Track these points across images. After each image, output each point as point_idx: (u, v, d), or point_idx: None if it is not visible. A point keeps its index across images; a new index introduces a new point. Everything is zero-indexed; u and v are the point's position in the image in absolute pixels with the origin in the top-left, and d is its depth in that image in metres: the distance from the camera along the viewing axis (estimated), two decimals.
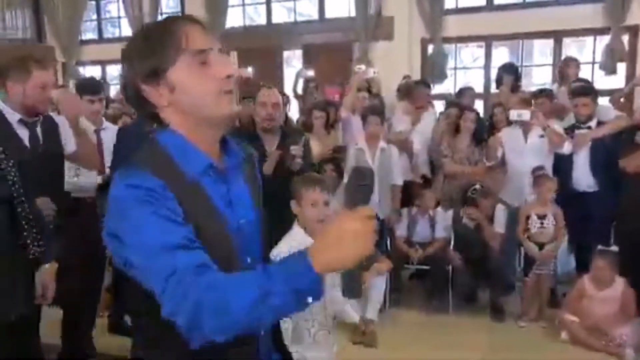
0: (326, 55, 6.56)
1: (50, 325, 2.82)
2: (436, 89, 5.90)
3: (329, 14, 6.80)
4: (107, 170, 3.26)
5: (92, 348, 3.15)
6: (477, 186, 3.91)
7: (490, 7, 6.07)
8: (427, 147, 4.62)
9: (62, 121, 2.64)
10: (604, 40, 5.61)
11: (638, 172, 3.47)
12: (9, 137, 2.40)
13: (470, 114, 4.27)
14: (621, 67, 5.56)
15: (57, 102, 2.46)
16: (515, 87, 4.81)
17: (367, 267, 3.69)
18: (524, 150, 3.93)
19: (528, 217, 3.76)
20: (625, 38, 5.53)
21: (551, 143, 3.82)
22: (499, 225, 3.91)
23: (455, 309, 3.90)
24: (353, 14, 6.44)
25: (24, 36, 8.10)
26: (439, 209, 4.15)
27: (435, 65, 6.17)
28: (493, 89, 5.39)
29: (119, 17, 8.05)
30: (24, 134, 2.47)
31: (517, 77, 4.94)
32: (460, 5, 6.19)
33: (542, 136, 3.85)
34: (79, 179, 3.15)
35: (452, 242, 4.04)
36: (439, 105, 5.34)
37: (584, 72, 5.08)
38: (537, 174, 3.78)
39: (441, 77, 6.20)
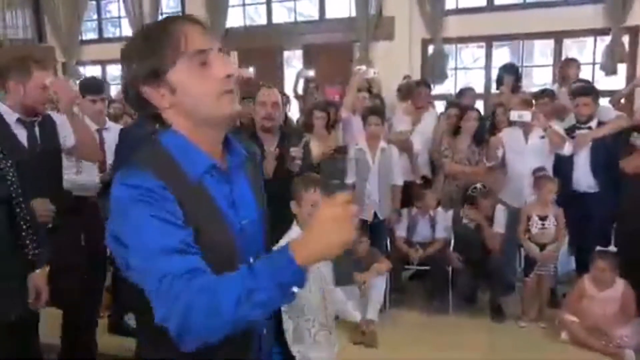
0: (326, 55, 6.56)
1: (50, 325, 2.81)
2: (437, 89, 5.90)
3: (330, 14, 6.80)
4: (109, 169, 3.26)
5: (95, 348, 3.16)
6: (479, 185, 3.90)
7: (490, 7, 6.07)
8: (427, 148, 4.62)
9: (60, 119, 2.63)
10: (605, 41, 5.61)
11: (637, 173, 3.47)
12: (7, 137, 2.39)
13: (472, 113, 4.27)
14: (621, 68, 5.55)
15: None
16: (516, 88, 4.80)
17: (367, 268, 3.70)
18: (525, 151, 3.93)
19: (529, 218, 3.76)
20: (626, 39, 5.53)
21: (552, 144, 3.82)
22: (499, 225, 3.91)
23: (456, 310, 3.90)
24: (353, 14, 6.44)
25: (24, 36, 8.10)
26: (439, 209, 4.15)
27: (436, 65, 6.17)
28: (493, 89, 5.39)
29: (120, 17, 8.05)
30: (21, 133, 2.46)
31: (518, 77, 4.93)
32: (460, 6, 6.19)
33: (542, 137, 3.85)
34: (80, 177, 3.15)
35: (452, 243, 4.04)
36: (440, 106, 5.35)
37: (585, 73, 5.07)
38: (538, 175, 3.78)
39: (442, 77, 6.20)
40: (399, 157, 4.15)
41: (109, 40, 8.12)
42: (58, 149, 2.64)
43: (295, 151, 2.88)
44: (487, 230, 3.85)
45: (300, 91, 5.56)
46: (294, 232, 2.17)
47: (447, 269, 3.92)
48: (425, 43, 6.26)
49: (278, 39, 6.91)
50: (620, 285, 3.37)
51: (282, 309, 1.38)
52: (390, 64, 5.97)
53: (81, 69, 8.08)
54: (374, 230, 3.96)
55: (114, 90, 6.21)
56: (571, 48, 6.11)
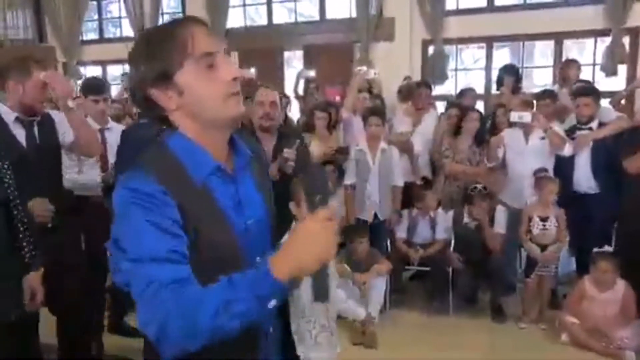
0: (327, 56, 6.56)
1: (50, 325, 2.81)
2: (437, 90, 5.89)
3: (330, 14, 6.80)
4: (111, 169, 3.25)
5: (101, 348, 3.16)
6: (479, 186, 3.90)
7: (491, 8, 6.08)
8: (428, 148, 4.62)
9: (59, 116, 2.62)
10: (605, 42, 5.61)
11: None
12: (5, 136, 2.39)
13: (473, 114, 4.28)
14: (622, 69, 5.56)
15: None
16: (516, 89, 4.81)
17: (367, 268, 3.70)
18: (525, 151, 3.93)
19: (530, 219, 3.75)
20: (626, 40, 5.53)
21: (552, 145, 3.82)
22: (500, 226, 3.90)
23: (456, 310, 3.90)
24: (354, 14, 6.45)
25: (25, 36, 8.11)
26: (440, 210, 4.15)
27: (436, 66, 6.17)
28: (494, 90, 5.39)
29: (120, 17, 8.05)
30: (20, 133, 2.45)
31: (518, 78, 4.94)
32: (461, 7, 6.19)
33: (543, 138, 3.85)
34: (82, 176, 3.14)
35: (453, 243, 4.04)
36: (440, 106, 5.35)
37: (585, 74, 5.08)
38: (539, 176, 3.78)
39: (442, 78, 6.21)
40: (400, 158, 4.15)
41: (110, 40, 8.13)
42: (57, 148, 2.63)
43: (289, 153, 2.88)
44: (487, 230, 3.85)
45: (300, 92, 5.56)
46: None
47: (448, 269, 3.92)
48: (425, 44, 6.27)
49: (278, 39, 6.92)
50: (620, 287, 3.37)
51: None
52: (390, 64, 5.97)
53: (82, 69, 8.09)
54: (374, 231, 3.96)
55: (115, 91, 6.21)
56: (571, 49, 6.11)
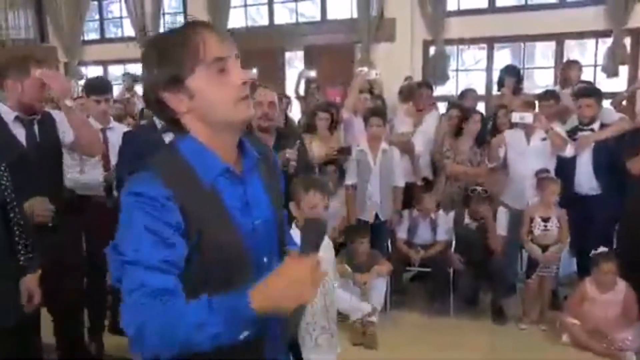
0: (328, 56, 6.56)
1: (51, 325, 2.81)
2: (438, 91, 5.89)
3: (331, 15, 6.80)
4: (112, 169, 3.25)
5: (102, 348, 3.16)
6: (479, 189, 3.89)
7: (492, 9, 6.07)
8: (429, 149, 4.62)
9: (59, 116, 2.61)
10: (606, 42, 5.61)
11: None
12: (5, 136, 2.38)
13: (476, 115, 4.27)
14: (623, 70, 5.55)
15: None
16: (517, 90, 4.80)
17: (367, 269, 3.70)
18: (526, 152, 3.92)
19: (532, 220, 3.75)
20: (627, 41, 5.53)
21: (553, 146, 3.81)
22: (501, 227, 3.90)
23: (457, 311, 3.89)
24: (355, 15, 6.45)
25: (26, 36, 8.12)
26: (440, 212, 4.14)
27: (437, 66, 6.17)
28: (495, 91, 5.39)
29: (121, 18, 8.06)
30: (20, 132, 2.44)
31: (519, 79, 4.94)
32: (462, 7, 6.20)
33: (544, 139, 3.85)
34: (84, 176, 3.14)
35: (454, 244, 4.03)
36: (441, 107, 5.34)
37: (586, 75, 5.08)
38: (541, 176, 3.77)
39: (443, 78, 6.21)
40: (401, 159, 4.15)
41: (111, 40, 8.14)
42: (58, 147, 2.62)
43: (290, 153, 2.88)
44: (492, 231, 3.84)
45: (301, 92, 5.56)
46: (293, 234, 2.16)
47: (449, 270, 3.92)
48: (426, 44, 6.27)
49: (280, 39, 6.92)
50: (622, 288, 3.36)
51: None
52: (391, 65, 5.97)
53: (83, 69, 8.10)
54: (375, 231, 3.95)
55: (116, 91, 6.21)
56: (572, 50, 6.11)
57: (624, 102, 4.80)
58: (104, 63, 8.10)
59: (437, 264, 3.98)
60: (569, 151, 3.79)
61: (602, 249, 3.42)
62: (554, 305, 3.85)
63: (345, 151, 4.28)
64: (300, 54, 7.00)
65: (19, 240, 2.06)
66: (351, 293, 3.62)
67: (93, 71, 8.04)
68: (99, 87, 3.36)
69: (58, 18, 7.91)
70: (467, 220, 3.97)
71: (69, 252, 2.66)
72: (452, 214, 4.07)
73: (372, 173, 3.97)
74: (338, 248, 3.68)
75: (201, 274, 1.05)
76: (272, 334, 1.16)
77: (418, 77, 5.84)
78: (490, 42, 6.17)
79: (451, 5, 6.15)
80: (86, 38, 8.20)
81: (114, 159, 3.20)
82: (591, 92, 3.94)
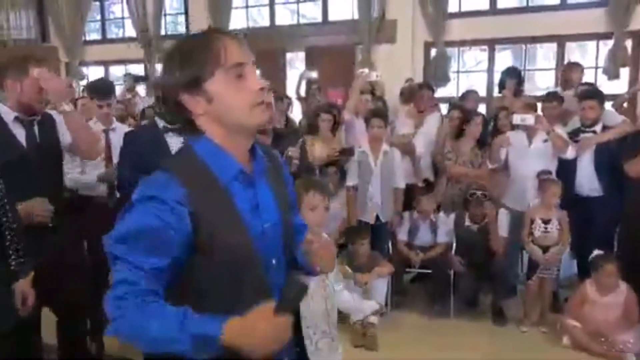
0: (329, 57, 6.56)
1: (51, 325, 2.81)
2: (439, 92, 5.89)
3: (332, 16, 6.80)
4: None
5: (102, 348, 3.15)
6: (478, 193, 3.87)
7: (493, 10, 6.07)
8: (430, 150, 4.61)
9: (60, 117, 2.58)
10: (607, 44, 5.61)
11: None
12: (4, 136, 2.37)
13: (477, 117, 4.26)
14: (624, 72, 5.55)
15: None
16: (518, 91, 4.80)
17: (368, 271, 3.70)
18: (528, 154, 3.92)
19: (532, 221, 3.75)
20: (629, 43, 5.53)
21: (555, 147, 3.81)
22: (502, 229, 3.90)
23: (457, 313, 3.89)
24: (356, 16, 6.45)
25: (27, 36, 8.13)
26: (441, 213, 4.14)
27: (438, 68, 6.17)
28: (496, 92, 5.39)
29: (123, 18, 8.07)
30: (20, 133, 2.42)
31: (520, 81, 4.93)
32: (463, 9, 6.20)
33: (546, 140, 3.85)
34: (85, 176, 3.14)
35: (455, 246, 4.03)
36: (443, 109, 5.34)
37: (587, 77, 5.07)
38: (543, 178, 3.77)
39: (444, 80, 6.21)
40: (402, 160, 4.15)
41: (112, 41, 8.14)
42: (58, 148, 2.60)
43: (293, 151, 2.89)
44: (494, 233, 3.84)
45: (302, 93, 5.56)
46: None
47: (449, 272, 3.91)
48: (427, 46, 6.27)
49: (281, 41, 6.92)
50: (623, 290, 3.35)
51: None
52: (392, 66, 5.97)
53: (84, 70, 8.10)
54: (376, 232, 3.95)
55: (117, 91, 6.21)
56: (574, 52, 6.11)
57: (625, 104, 4.80)
58: (105, 63, 8.11)
59: (438, 266, 3.98)
60: (570, 153, 3.79)
61: (597, 251, 3.42)
62: (554, 307, 3.85)
63: (347, 152, 4.28)
64: (301, 55, 7.00)
65: (10, 245, 2.04)
66: (353, 293, 3.61)
67: (94, 71, 8.05)
68: (101, 92, 3.36)
69: (59, 18, 7.92)
70: (467, 222, 3.97)
71: (69, 252, 2.65)
72: (452, 215, 4.07)
73: (373, 174, 3.97)
74: (339, 249, 3.68)
75: (210, 277, 1.08)
76: None
77: (419, 79, 5.84)
78: (492, 44, 6.17)
79: (452, 7, 6.14)
80: (87, 38, 8.21)
81: (116, 160, 3.21)
82: (594, 94, 3.94)
